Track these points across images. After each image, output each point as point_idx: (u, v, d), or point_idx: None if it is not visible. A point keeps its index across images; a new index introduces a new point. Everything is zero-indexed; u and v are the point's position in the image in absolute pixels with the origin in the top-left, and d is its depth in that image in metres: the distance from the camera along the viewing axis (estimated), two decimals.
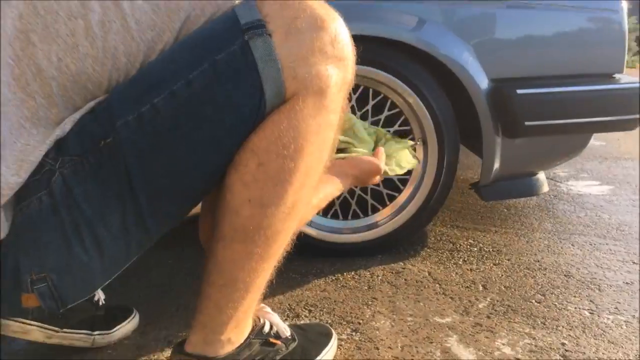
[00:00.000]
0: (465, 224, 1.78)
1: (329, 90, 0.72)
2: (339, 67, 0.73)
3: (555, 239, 1.64)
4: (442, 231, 1.72)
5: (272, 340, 0.92)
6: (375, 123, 1.47)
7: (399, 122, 1.48)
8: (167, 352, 1.04)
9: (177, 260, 1.48)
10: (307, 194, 0.78)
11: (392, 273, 1.41)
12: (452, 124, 1.45)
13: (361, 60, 1.33)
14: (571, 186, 2.28)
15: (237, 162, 0.72)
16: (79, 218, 0.66)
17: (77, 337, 1.02)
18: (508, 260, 1.49)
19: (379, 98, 1.46)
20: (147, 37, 0.71)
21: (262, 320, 0.93)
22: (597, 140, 3.30)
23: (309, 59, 0.70)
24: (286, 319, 1.18)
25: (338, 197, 1.51)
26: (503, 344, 1.08)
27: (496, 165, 1.54)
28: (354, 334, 1.12)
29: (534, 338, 1.10)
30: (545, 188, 1.70)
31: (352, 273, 1.41)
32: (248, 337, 0.89)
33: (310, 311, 1.22)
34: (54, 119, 0.68)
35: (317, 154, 0.74)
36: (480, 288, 1.32)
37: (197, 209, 0.88)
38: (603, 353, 1.05)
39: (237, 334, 0.86)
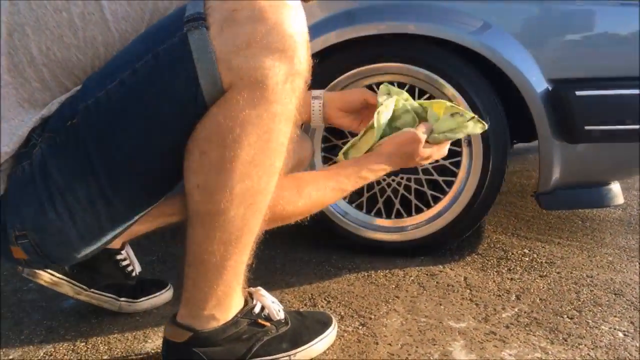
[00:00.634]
0: (528, 234, 1.69)
1: (267, 81, 0.74)
2: (280, 59, 0.74)
3: (622, 256, 1.50)
4: (499, 239, 1.65)
5: (261, 321, 0.96)
6: None
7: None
8: None
9: None
10: (264, 184, 0.81)
11: (427, 275, 1.39)
12: (501, 124, 1.39)
13: (397, 56, 1.34)
14: None
15: (186, 150, 0.78)
16: (52, 187, 0.76)
17: (104, 299, 1.15)
18: (557, 273, 1.40)
19: (426, 96, 1.43)
20: (122, 27, 0.79)
21: (254, 302, 0.98)
22: None
23: (244, 51, 0.73)
24: (302, 307, 1.22)
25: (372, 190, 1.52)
26: (510, 355, 1.03)
27: (556, 172, 1.45)
28: (360, 327, 1.13)
29: (547, 353, 1.04)
30: (619, 200, 1.56)
31: (386, 271, 1.41)
32: (236, 315, 0.94)
33: (328, 302, 1.25)
34: (49, 101, 0.78)
35: (261, 144, 0.77)
36: (513, 298, 1.26)
37: None
38: None
39: (221, 311, 0.92)
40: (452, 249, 1.55)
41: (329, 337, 1.04)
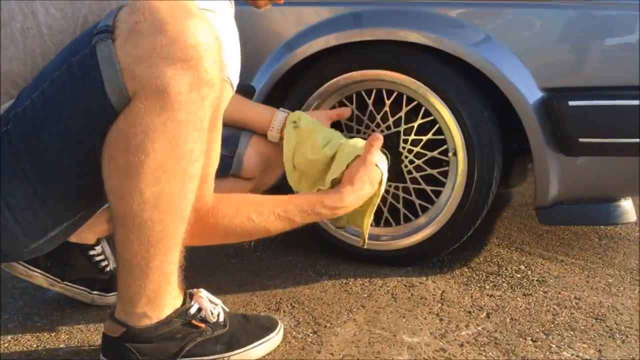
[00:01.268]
0: (533, 249, 1.62)
1: (169, 89, 0.77)
2: (182, 68, 0.77)
3: (624, 279, 1.41)
4: (499, 252, 1.59)
5: (195, 322, 0.99)
6: (408, 131, 1.43)
7: (432, 131, 1.41)
8: None
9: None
10: (177, 189, 0.83)
11: (405, 286, 1.37)
12: (487, 134, 1.34)
13: (374, 62, 1.33)
14: None
15: (101, 155, 0.82)
16: None
17: (76, 292, 1.22)
18: (544, 292, 1.33)
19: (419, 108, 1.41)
20: (58, 40, 0.85)
21: (192, 303, 1.01)
22: None
23: (146, 61, 0.76)
24: (266, 310, 1.24)
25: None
26: None
27: (554, 185, 1.38)
28: (311, 335, 1.14)
29: None
30: (631, 217, 1.47)
31: (366, 280, 1.41)
32: (169, 315, 0.97)
33: (293, 307, 1.26)
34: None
35: (168, 151, 0.80)
36: (483, 315, 1.22)
37: None
38: None
39: (153, 309, 0.96)
40: (444, 260, 1.51)
41: (269, 342, 1.06)
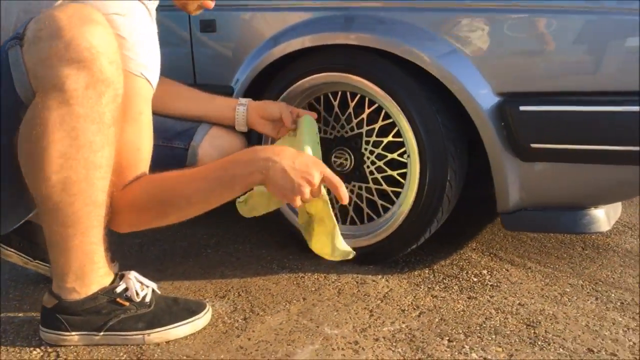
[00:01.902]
0: (506, 255, 1.60)
1: (66, 87, 0.89)
2: (78, 68, 0.89)
3: (583, 290, 1.37)
4: (470, 257, 1.59)
5: (120, 300, 1.10)
6: (370, 133, 1.47)
7: (392, 133, 1.45)
8: None
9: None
10: (82, 176, 0.94)
11: (357, 283, 1.41)
12: (440, 137, 1.36)
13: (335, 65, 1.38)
14: None
15: None
16: None
17: (47, 269, 1.36)
18: (490, 296, 1.33)
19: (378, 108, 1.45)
20: None
21: (120, 283, 1.12)
22: None
23: (46, 62, 0.89)
24: (213, 297, 1.33)
25: None
26: None
27: (515, 191, 1.38)
28: (240, 321, 1.22)
29: None
30: (602, 227, 1.43)
31: (322, 275, 1.46)
32: (97, 292, 1.09)
33: (238, 295, 1.34)
34: None
35: (69, 141, 0.92)
36: (415, 314, 1.24)
37: None
38: None
39: (81, 286, 1.07)
40: (410, 261, 1.53)
41: (191, 325, 1.14)
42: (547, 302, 1.30)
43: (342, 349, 1.10)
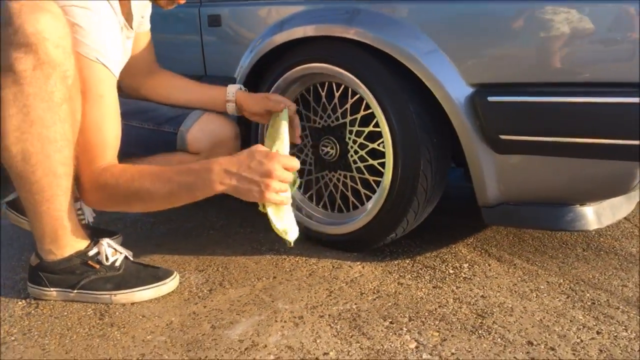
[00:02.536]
0: (497, 252, 1.58)
1: (16, 68, 1.01)
2: (25, 52, 1.01)
3: (557, 289, 1.33)
4: (458, 250, 1.59)
5: (91, 262, 1.23)
6: (353, 122, 1.52)
7: (372, 123, 1.49)
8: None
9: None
10: (38, 148, 1.07)
11: (333, 267, 1.46)
12: (412, 127, 1.38)
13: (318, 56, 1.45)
14: None
15: None
16: None
17: None
18: (457, 287, 1.34)
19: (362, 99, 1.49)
20: None
21: (92, 247, 1.25)
22: None
23: (1, 46, 1.01)
24: (194, 271, 1.43)
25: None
26: (283, 337, 1.10)
27: (492, 184, 1.38)
28: (205, 291, 1.31)
29: (319, 345, 1.08)
30: (588, 225, 1.39)
31: (303, 259, 1.52)
32: (71, 255, 1.22)
33: (217, 270, 1.44)
34: None
35: (21, 117, 1.04)
36: (370, 298, 1.28)
37: None
38: None
39: (56, 248, 1.21)
40: (396, 251, 1.56)
41: (154, 290, 1.25)
42: (512, 297, 1.28)
43: (285, 322, 1.16)
